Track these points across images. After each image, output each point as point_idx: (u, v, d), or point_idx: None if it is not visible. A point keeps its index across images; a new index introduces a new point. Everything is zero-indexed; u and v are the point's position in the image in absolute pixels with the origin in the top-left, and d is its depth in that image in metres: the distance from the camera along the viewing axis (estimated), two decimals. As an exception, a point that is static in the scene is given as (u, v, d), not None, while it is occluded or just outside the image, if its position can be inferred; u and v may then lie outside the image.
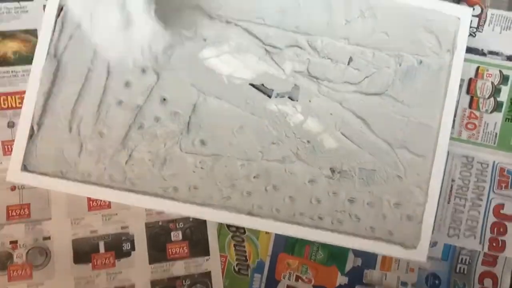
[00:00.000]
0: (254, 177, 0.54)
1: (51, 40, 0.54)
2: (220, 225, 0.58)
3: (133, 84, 0.55)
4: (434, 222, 0.57)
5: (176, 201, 0.54)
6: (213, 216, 0.54)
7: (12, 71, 0.58)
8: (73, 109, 0.54)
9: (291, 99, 0.55)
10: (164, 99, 0.55)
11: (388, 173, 0.55)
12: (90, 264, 0.57)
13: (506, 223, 0.58)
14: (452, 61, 0.56)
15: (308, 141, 0.55)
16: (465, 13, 0.56)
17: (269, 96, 0.55)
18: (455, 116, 0.58)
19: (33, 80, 0.54)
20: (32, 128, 0.54)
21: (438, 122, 0.55)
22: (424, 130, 0.55)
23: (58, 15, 0.54)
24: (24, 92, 0.54)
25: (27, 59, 0.57)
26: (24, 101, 0.54)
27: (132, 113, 0.55)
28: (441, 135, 0.55)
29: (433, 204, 0.54)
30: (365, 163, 0.55)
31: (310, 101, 0.55)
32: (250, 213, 0.54)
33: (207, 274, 0.57)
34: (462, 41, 0.56)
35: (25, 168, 0.54)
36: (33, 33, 0.58)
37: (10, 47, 0.59)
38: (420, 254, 0.54)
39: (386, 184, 0.55)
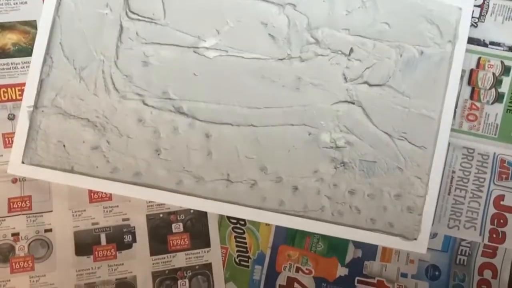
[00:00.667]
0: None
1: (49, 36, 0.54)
2: (221, 217, 0.58)
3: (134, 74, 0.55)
4: (435, 213, 0.57)
5: (178, 193, 0.54)
6: (215, 208, 0.54)
7: (11, 63, 0.58)
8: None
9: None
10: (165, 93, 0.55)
11: (388, 164, 0.55)
12: (92, 256, 0.57)
13: (506, 214, 0.58)
14: (453, 52, 0.55)
15: (310, 133, 0.55)
16: (467, 3, 0.56)
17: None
18: (456, 107, 0.58)
19: (32, 71, 0.54)
20: (32, 120, 0.54)
21: (439, 113, 0.55)
22: (425, 121, 0.55)
23: (57, 5, 0.54)
24: (24, 84, 0.54)
25: (26, 51, 0.57)
26: (24, 93, 0.54)
27: (135, 104, 0.55)
28: (442, 126, 0.55)
29: (433, 196, 0.54)
30: (365, 154, 0.55)
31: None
32: (252, 206, 0.54)
33: (208, 266, 0.57)
34: (464, 32, 0.55)
35: (25, 160, 0.54)
36: (33, 24, 0.58)
37: (10, 38, 0.59)
38: (420, 246, 0.54)
39: (386, 175, 0.55)
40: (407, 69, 0.56)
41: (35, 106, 0.54)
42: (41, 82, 0.54)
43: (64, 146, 0.54)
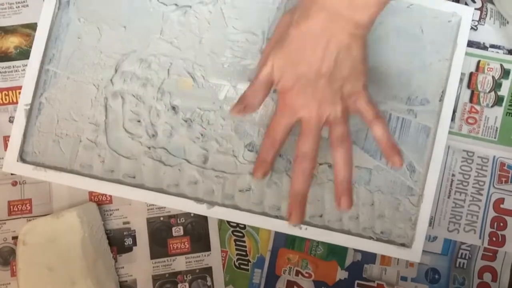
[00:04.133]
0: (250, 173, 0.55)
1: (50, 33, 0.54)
2: (221, 221, 0.58)
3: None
4: (434, 218, 0.57)
5: (176, 196, 0.54)
6: (214, 213, 0.54)
7: (13, 66, 0.58)
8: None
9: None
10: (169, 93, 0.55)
11: (384, 171, 0.55)
12: (92, 259, 0.57)
13: (506, 217, 0.58)
14: (452, 55, 0.55)
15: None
16: (467, 12, 0.56)
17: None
18: (455, 110, 0.58)
19: (30, 69, 0.54)
20: (29, 118, 0.54)
21: (436, 120, 0.55)
22: (422, 128, 0.55)
23: (58, 7, 0.55)
24: (25, 87, 0.55)
25: (27, 54, 0.57)
26: (22, 91, 0.54)
27: (131, 105, 0.55)
28: (439, 132, 0.55)
29: (428, 204, 0.54)
30: (361, 161, 0.55)
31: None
32: (249, 210, 0.54)
33: (208, 270, 0.57)
34: (463, 37, 0.55)
35: (21, 159, 0.54)
36: (34, 27, 0.58)
37: (11, 41, 0.59)
38: (414, 255, 0.53)
39: (382, 183, 0.55)
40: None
41: (32, 105, 0.54)
42: (38, 80, 0.54)
43: (60, 145, 0.54)
